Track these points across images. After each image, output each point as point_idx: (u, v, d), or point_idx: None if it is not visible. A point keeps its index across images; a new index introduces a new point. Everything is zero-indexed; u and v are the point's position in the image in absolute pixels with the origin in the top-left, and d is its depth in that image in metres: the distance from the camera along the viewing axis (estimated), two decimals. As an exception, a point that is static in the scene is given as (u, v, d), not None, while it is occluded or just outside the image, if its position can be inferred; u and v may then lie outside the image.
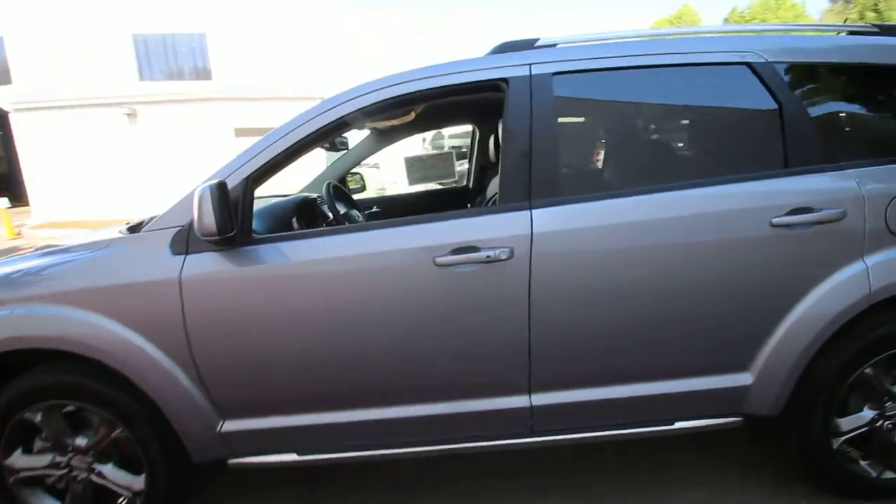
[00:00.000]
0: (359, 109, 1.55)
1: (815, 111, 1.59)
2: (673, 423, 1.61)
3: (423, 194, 3.25)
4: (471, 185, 3.16)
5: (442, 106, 2.73)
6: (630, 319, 1.51)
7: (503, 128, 1.55)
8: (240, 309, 1.50)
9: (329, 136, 1.61)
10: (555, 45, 1.64)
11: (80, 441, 1.60)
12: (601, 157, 1.68)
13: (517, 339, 1.50)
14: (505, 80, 1.56)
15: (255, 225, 1.60)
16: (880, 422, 1.61)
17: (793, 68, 1.59)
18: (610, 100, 1.64)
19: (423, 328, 1.51)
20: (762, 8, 26.37)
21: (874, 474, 1.65)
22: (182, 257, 1.50)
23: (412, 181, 3.58)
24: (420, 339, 1.52)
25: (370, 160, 3.14)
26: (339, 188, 2.43)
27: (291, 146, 1.53)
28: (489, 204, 2.58)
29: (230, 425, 1.58)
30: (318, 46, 14.65)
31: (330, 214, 2.19)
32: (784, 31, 1.79)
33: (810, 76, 1.62)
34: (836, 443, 1.62)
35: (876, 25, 1.78)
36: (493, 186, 2.80)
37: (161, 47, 15.02)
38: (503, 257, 1.44)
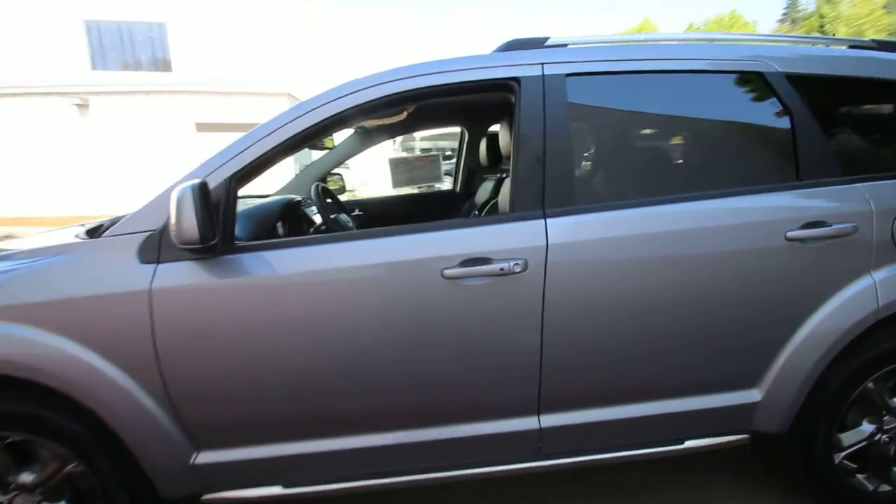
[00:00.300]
0: (358, 105, 1.41)
1: (824, 123, 1.56)
2: (683, 443, 1.56)
3: (408, 198, 3.11)
4: (458, 189, 3.05)
5: (433, 106, 2.61)
6: (646, 334, 1.44)
7: (515, 131, 1.45)
8: (220, 326, 1.33)
9: (323, 133, 1.47)
10: (565, 45, 1.56)
11: (26, 477, 1.38)
12: (601, 163, 1.60)
13: (528, 356, 1.41)
14: (516, 79, 1.46)
15: (237, 230, 1.43)
16: (878, 435, 1.61)
17: (804, 79, 1.56)
18: (625, 104, 1.56)
19: (427, 346, 1.38)
20: (717, 25, 27.68)
21: (871, 488, 1.64)
22: (152, 267, 1.32)
23: (396, 184, 3.42)
24: (424, 359, 1.39)
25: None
26: (327, 190, 2.26)
27: (282, 143, 1.37)
28: (481, 210, 2.48)
29: (206, 457, 1.39)
30: (286, 41, 14.21)
31: (317, 219, 2.02)
32: (794, 42, 1.76)
33: (821, 88, 1.60)
34: (838, 458, 1.61)
35: (874, 41, 1.79)
36: (484, 191, 2.71)
37: (116, 36, 14.16)
38: (517, 270, 1.33)
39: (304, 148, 1.44)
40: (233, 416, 1.38)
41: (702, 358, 1.49)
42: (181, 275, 1.31)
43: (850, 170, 1.53)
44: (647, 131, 1.63)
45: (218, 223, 1.29)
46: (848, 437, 1.61)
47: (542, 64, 1.48)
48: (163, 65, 14.71)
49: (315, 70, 13.23)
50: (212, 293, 1.32)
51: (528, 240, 1.36)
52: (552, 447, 1.51)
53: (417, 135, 13.27)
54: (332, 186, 2.93)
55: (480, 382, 1.43)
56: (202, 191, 1.19)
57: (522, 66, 1.47)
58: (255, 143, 1.36)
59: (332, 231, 1.77)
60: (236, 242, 1.38)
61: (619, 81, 1.53)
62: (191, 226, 1.16)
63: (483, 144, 2.57)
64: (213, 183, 1.33)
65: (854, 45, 1.78)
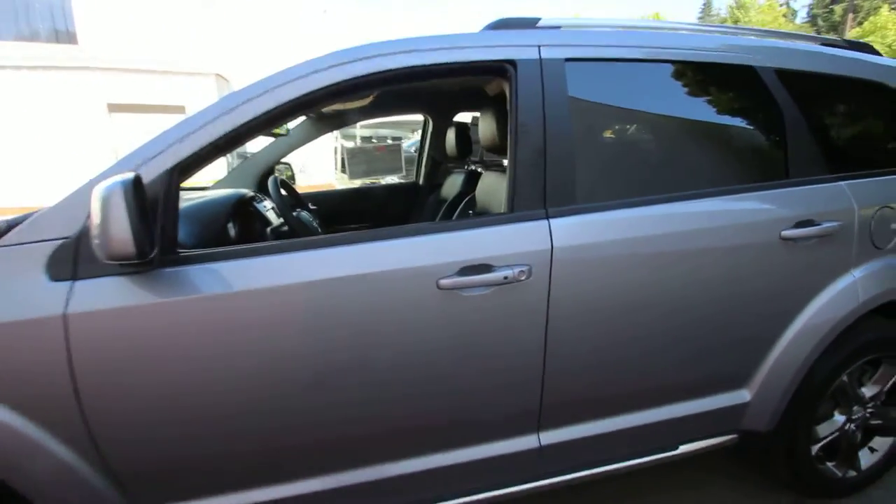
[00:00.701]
0: (328, 86, 1.18)
1: (810, 120, 1.55)
2: (677, 448, 1.53)
3: (366, 191, 2.85)
4: (421, 181, 2.84)
5: (397, 91, 2.39)
6: (651, 339, 1.36)
7: (512, 120, 1.28)
8: (161, 358, 1.06)
9: (288, 116, 1.22)
10: (559, 27, 1.41)
11: None
12: (598, 158, 1.48)
13: (530, 370, 1.27)
14: (512, 62, 1.29)
15: (179, 234, 1.16)
16: (847, 425, 1.69)
17: (794, 75, 1.54)
18: (623, 94, 1.44)
19: (420, 367, 1.20)
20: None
21: (840, 474, 1.72)
22: (67, 285, 1.02)
23: (354, 175, 3.14)
24: (414, 383, 1.21)
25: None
26: (285, 183, 1.96)
27: (241, 126, 1.11)
28: (452, 206, 2.30)
29: None
30: (215, 17, 13.06)
31: (273, 216, 1.74)
32: (783, 37, 1.73)
33: (809, 84, 1.58)
34: (815, 449, 1.66)
35: (844, 40, 1.82)
36: (452, 185, 2.53)
37: (7, 1, 12.37)
38: (522, 278, 1.18)
39: (266, 133, 1.19)
40: (177, 462, 1.13)
41: (700, 360, 1.45)
42: (106, 295, 1.03)
43: (833, 168, 1.54)
44: (643, 124, 1.52)
45: (156, 228, 1.02)
46: (823, 429, 1.67)
47: (539, 46, 1.32)
48: (66, 37, 13.09)
49: (252, 50, 12.21)
50: (148, 317, 1.05)
51: (531, 243, 1.21)
52: (551, 465, 1.40)
53: (359, 122, 12.80)
54: (279, 176, 2.62)
55: (479, 402, 1.27)
56: (136, 188, 0.92)
57: (518, 48, 1.31)
58: (205, 126, 1.09)
59: (294, 232, 1.52)
60: (179, 251, 1.11)
61: (617, 69, 1.41)
62: (123, 234, 0.89)
63: (451, 134, 2.39)
64: (149, 176, 1.05)
65: (826, 44, 1.79)
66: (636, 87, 1.44)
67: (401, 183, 3.24)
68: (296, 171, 2.78)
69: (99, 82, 10.25)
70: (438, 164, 2.78)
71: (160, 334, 1.06)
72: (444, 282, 1.14)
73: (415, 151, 8.03)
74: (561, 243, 1.22)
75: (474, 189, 1.99)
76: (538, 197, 1.25)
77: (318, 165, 10.91)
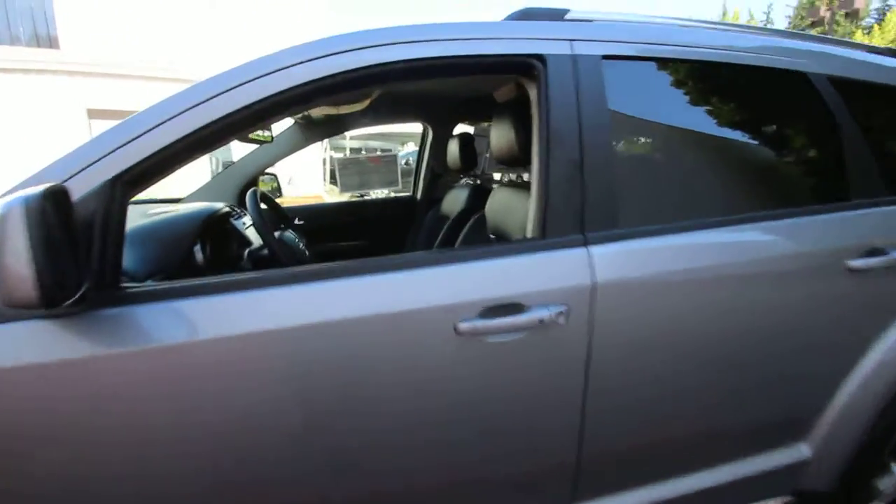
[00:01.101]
0: (319, 79, 0.94)
1: (871, 136, 1.36)
2: None
3: (358, 205, 2.61)
4: (419, 195, 2.61)
5: (395, 96, 2.16)
6: (706, 391, 1.15)
7: (541, 126, 1.06)
8: (96, 429, 0.81)
9: (265, 118, 0.98)
10: (590, 21, 1.20)
11: None
12: (636, 176, 1.26)
13: (565, 431, 1.05)
14: (540, 57, 1.07)
15: (127, 262, 0.91)
16: None
17: (851, 84, 1.35)
18: (671, 99, 1.23)
19: (429, 436, 0.95)
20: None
21: None
22: None
23: (345, 188, 2.90)
24: (424, 453, 0.96)
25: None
26: (266, 197, 1.71)
27: (207, 126, 0.86)
28: (456, 224, 2.07)
29: None
30: (198, 21, 12.80)
31: (253, 235, 1.49)
32: (833, 45, 1.55)
33: (868, 96, 1.39)
34: None
35: (889, 49, 1.66)
36: (454, 201, 2.30)
37: (-14, 4, 11.98)
38: (560, 321, 0.95)
39: (244, 136, 0.95)
40: None
41: (759, 410, 1.24)
42: (16, 346, 0.77)
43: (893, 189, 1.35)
44: (690, 135, 1.31)
45: (91, 256, 0.78)
46: (884, 483, 1.45)
47: (571, 41, 1.11)
48: (46, 41, 12.77)
49: (239, 56, 11.96)
50: (70, 380, 0.79)
51: (568, 277, 0.99)
52: None
53: (348, 132, 12.55)
54: (263, 188, 2.37)
55: (504, 474, 1.03)
56: (52, 206, 0.67)
57: (548, 41, 1.09)
58: (158, 126, 0.85)
59: (275, 257, 1.27)
60: (124, 285, 0.86)
61: (661, 70, 1.20)
62: (20, 272, 0.63)
63: (453, 144, 2.17)
64: (83, 189, 0.80)
65: (871, 51, 1.62)
66: (682, 92, 1.24)
67: (396, 196, 3.00)
68: (283, 182, 2.52)
69: (79, 87, 9.93)
70: (438, 176, 2.56)
71: (86, 407, 0.80)
72: (463, 326, 0.91)
73: (405, 164, 7.82)
74: (604, 277, 1.00)
75: (481, 206, 1.77)
76: (574, 219, 1.03)
77: (307, 177, 10.65)
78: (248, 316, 0.85)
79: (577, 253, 1.01)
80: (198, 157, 0.92)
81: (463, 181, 2.46)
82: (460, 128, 2.71)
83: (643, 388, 1.08)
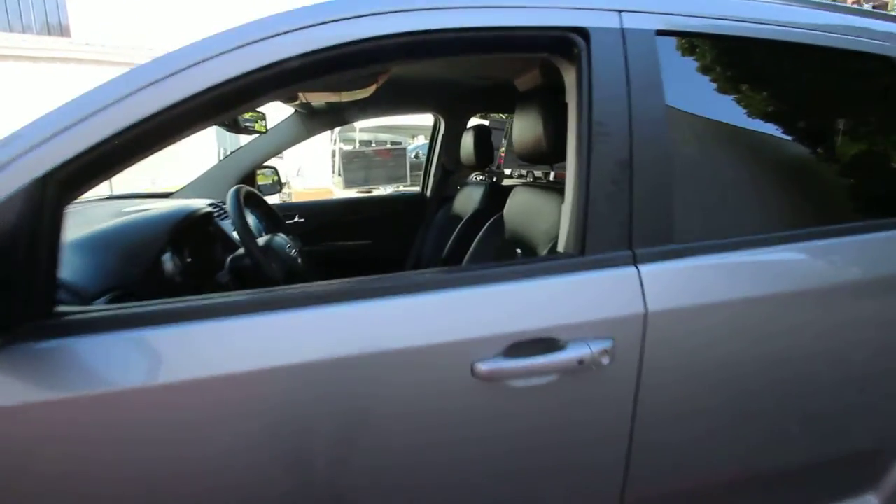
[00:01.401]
0: (310, 53, 0.75)
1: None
2: None
3: (363, 202, 2.42)
4: (428, 192, 2.42)
5: (404, 85, 1.97)
6: (775, 431, 0.96)
7: (579, 118, 0.87)
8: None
9: (244, 99, 0.79)
10: None
11: None
12: (705, 177, 1.05)
13: (604, 484, 0.86)
14: (582, 31, 0.87)
15: (78, 274, 0.74)
16: None
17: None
18: (743, 84, 1.02)
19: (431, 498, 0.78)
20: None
21: None
22: None
23: (349, 183, 2.71)
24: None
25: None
26: (254, 196, 1.52)
27: (158, 114, 0.69)
28: (469, 225, 1.88)
29: None
30: (211, 13, 12.66)
31: (242, 246, 1.30)
32: None
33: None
34: None
35: None
36: (467, 200, 2.11)
37: (-2, -7, 11.95)
38: (604, 361, 0.76)
39: (204, 127, 0.77)
40: None
41: (823, 449, 1.04)
42: None
43: None
44: (761, 131, 1.10)
45: (15, 276, 0.61)
46: None
47: (620, 11, 0.91)
48: (58, 30, 12.75)
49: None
50: None
51: (614, 303, 0.80)
52: None
53: (358, 124, 12.32)
54: (261, 182, 2.20)
55: None
56: None
57: (592, 12, 0.89)
58: (103, 111, 0.68)
59: (259, 270, 1.09)
60: (61, 310, 0.69)
61: (725, 49, 1.00)
62: None
63: (468, 138, 1.98)
64: (3, 191, 0.63)
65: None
66: (755, 78, 1.03)
67: (404, 193, 2.81)
68: (291, 174, 2.34)
69: (90, 75, 9.84)
70: (450, 173, 2.37)
71: (16, 454, 0.63)
72: (482, 367, 0.72)
73: (415, 157, 7.59)
74: (658, 304, 0.80)
75: (498, 206, 1.58)
76: (620, 231, 0.84)
77: (317, 169, 10.48)
78: (217, 353, 0.68)
79: (625, 273, 0.81)
80: (158, 149, 0.74)
81: (477, 178, 2.27)
82: (474, 121, 2.50)
83: (699, 433, 0.90)
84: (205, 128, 0.77)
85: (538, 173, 2.98)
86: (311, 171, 10.04)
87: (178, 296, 0.76)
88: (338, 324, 0.72)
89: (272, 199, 2.35)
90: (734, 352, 0.86)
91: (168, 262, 1.04)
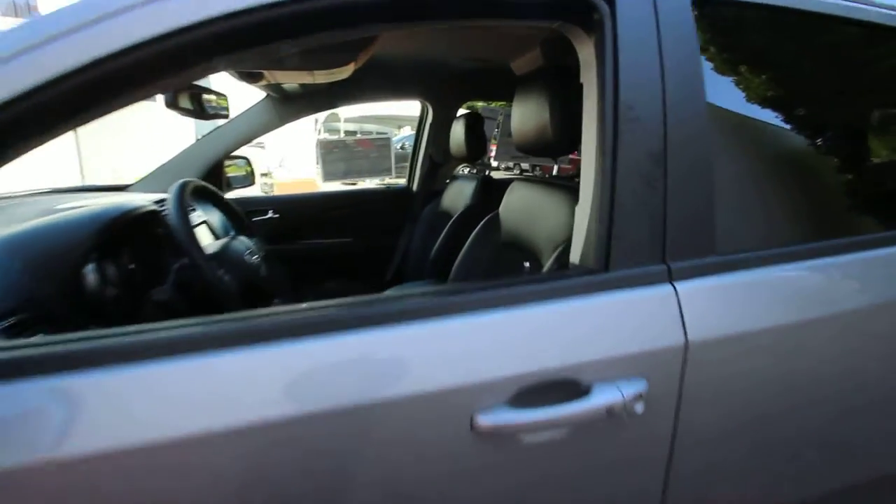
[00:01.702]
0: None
1: None
2: None
3: (344, 196, 2.23)
4: (415, 186, 2.24)
5: (389, 67, 1.78)
6: (824, 465, 0.82)
7: (601, 101, 0.70)
8: None
9: (181, 62, 0.61)
10: None
11: None
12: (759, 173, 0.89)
13: None
14: None
15: None
16: None
17: None
18: (797, 63, 0.86)
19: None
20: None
21: None
22: None
23: (328, 175, 2.51)
24: None
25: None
26: (207, 191, 1.30)
27: (73, 73, 0.50)
28: (459, 222, 1.71)
29: None
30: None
31: (211, 237, 1.10)
32: None
33: None
34: None
35: None
36: (457, 195, 1.94)
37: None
38: (637, 408, 0.60)
39: (140, 99, 0.57)
40: None
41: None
42: None
43: None
44: (817, 118, 0.93)
45: None
46: None
47: None
48: (25, 10, 12.17)
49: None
50: None
51: (647, 332, 0.64)
52: None
53: (343, 112, 11.97)
54: (231, 173, 1.99)
55: None
56: None
57: None
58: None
59: (207, 288, 0.88)
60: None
61: (777, 22, 0.83)
62: None
63: (458, 127, 1.80)
64: None
65: None
66: (818, 58, 0.87)
67: (389, 187, 2.62)
68: (274, 165, 2.13)
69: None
70: (438, 165, 2.18)
71: None
72: (483, 420, 0.56)
73: (401, 148, 7.35)
74: (702, 332, 0.65)
75: (492, 202, 1.41)
76: (652, 241, 0.68)
77: (300, 159, 10.14)
78: (123, 413, 0.50)
79: (659, 293, 0.65)
80: (52, 137, 0.56)
81: (464, 171, 2.09)
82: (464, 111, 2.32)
83: (740, 479, 0.75)
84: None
85: (525, 166, 2.81)
86: (296, 161, 9.71)
87: (110, 319, 0.58)
88: (289, 370, 0.54)
89: (247, 193, 2.15)
90: (796, 387, 0.71)
91: (91, 275, 0.84)
